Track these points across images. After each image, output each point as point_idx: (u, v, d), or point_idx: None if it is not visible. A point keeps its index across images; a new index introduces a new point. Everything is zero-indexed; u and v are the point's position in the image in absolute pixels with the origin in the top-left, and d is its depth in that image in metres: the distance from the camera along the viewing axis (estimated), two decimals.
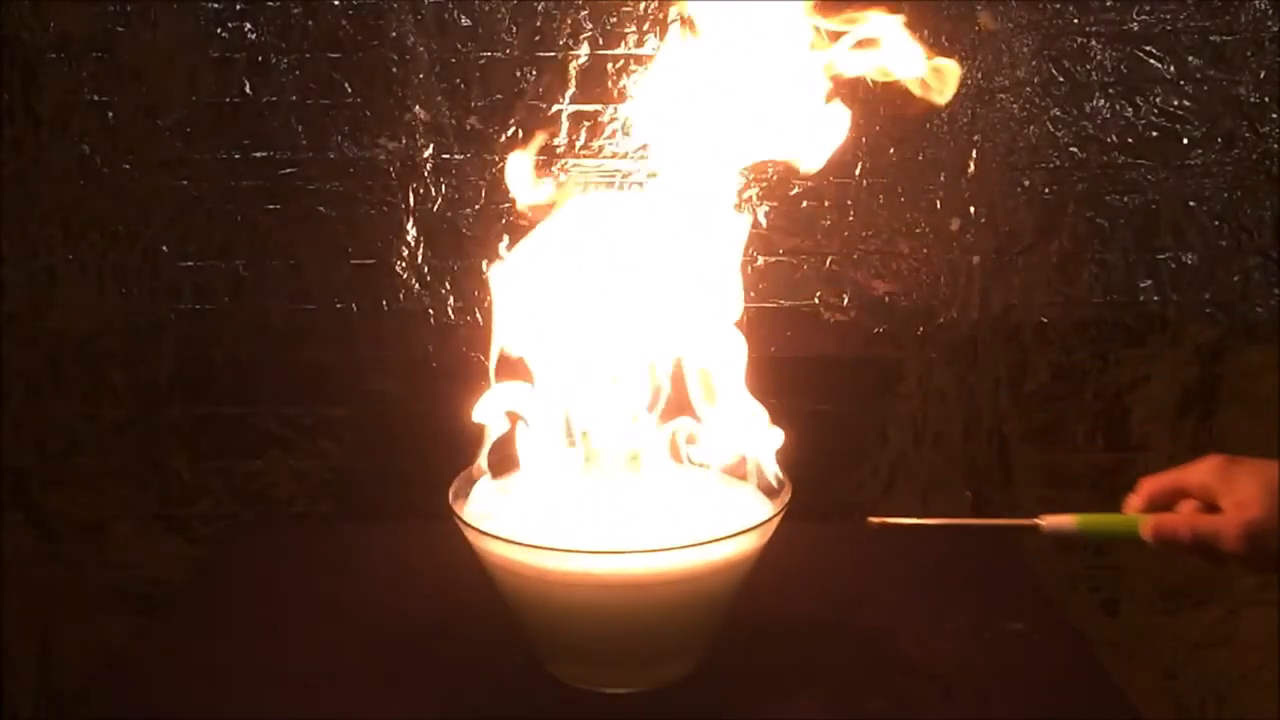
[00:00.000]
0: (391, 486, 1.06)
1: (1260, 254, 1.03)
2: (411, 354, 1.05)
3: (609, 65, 1.01)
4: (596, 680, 0.69)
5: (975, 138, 1.01)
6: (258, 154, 1.02)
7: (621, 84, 1.01)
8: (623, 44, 1.00)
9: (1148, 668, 1.08)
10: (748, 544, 0.66)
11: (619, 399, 0.73)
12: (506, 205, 1.03)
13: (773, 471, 0.72)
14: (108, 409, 1.06)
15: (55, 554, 1.08)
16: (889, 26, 0.69)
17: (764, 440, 0.72)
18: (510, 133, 1.01)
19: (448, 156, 1.02)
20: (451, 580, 0.74)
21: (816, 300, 1.04)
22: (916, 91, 0.71)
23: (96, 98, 1.01)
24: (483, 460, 0.72)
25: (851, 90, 0.99)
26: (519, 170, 0.75)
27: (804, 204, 1.02)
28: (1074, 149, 1.02)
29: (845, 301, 1.04)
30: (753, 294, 1.03)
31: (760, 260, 1.03)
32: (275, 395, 1.06)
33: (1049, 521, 0.64)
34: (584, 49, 1.00)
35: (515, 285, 0.72)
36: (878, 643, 0.75)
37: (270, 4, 1.00)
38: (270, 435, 1.06)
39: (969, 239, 1.03)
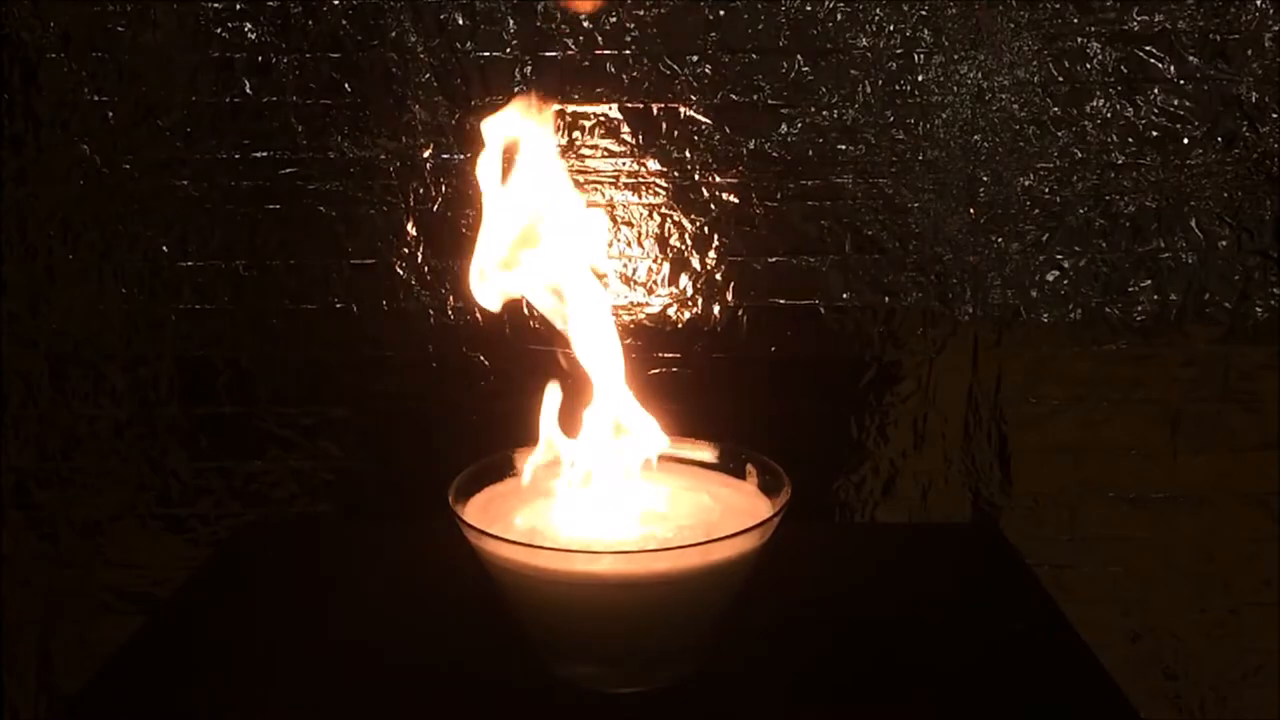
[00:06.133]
0: (391, 486, 1.06)
1: (1260, 254, 1.03)
2: (411, 354, 1.05)
3: (608, 65, 1.01)
4: (597, 680, 0.69)
5: (975, 138, 1.01)
6: (258, 154, 1.02)
7: (623, 83, 1.01)
8: (625, 42, 1.00)
9: (1148, 668, 1.09)
10: (748, 544, 0.66)
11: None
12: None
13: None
14: (108, 409, 1.06)
15: (55, 554, 1.08)
16: None
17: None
18: None
19: (448, 156, 1.02)
20: (452, 581, 0.74)
21: (816, 300, 1.04)
22: None
23: (96, 98, 1.01)
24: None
25: (852, 89, 1.00)
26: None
27: (803, 204, 1.02)
28: (1074, 149, 1.02)
29: (845, 301, 1.04)
30: (753, 294, 1.04)
31: (759, 261, 1.03)
32: (275, 395, 1.06)
33: None
34: (585, 48, 1.00)
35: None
36: (878, 643, 0.75)
37: (270, 4, 1.00)
38: (270, 435, 1.06)
39: (969, 238, 1.03)
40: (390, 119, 1.01)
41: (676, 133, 1.02)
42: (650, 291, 1.04)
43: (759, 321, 1.04)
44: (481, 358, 1.05)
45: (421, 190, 1.03)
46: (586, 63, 1.01)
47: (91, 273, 1.04)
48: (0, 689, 1.10)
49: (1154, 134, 1.01)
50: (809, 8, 1.00)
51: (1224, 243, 1.03)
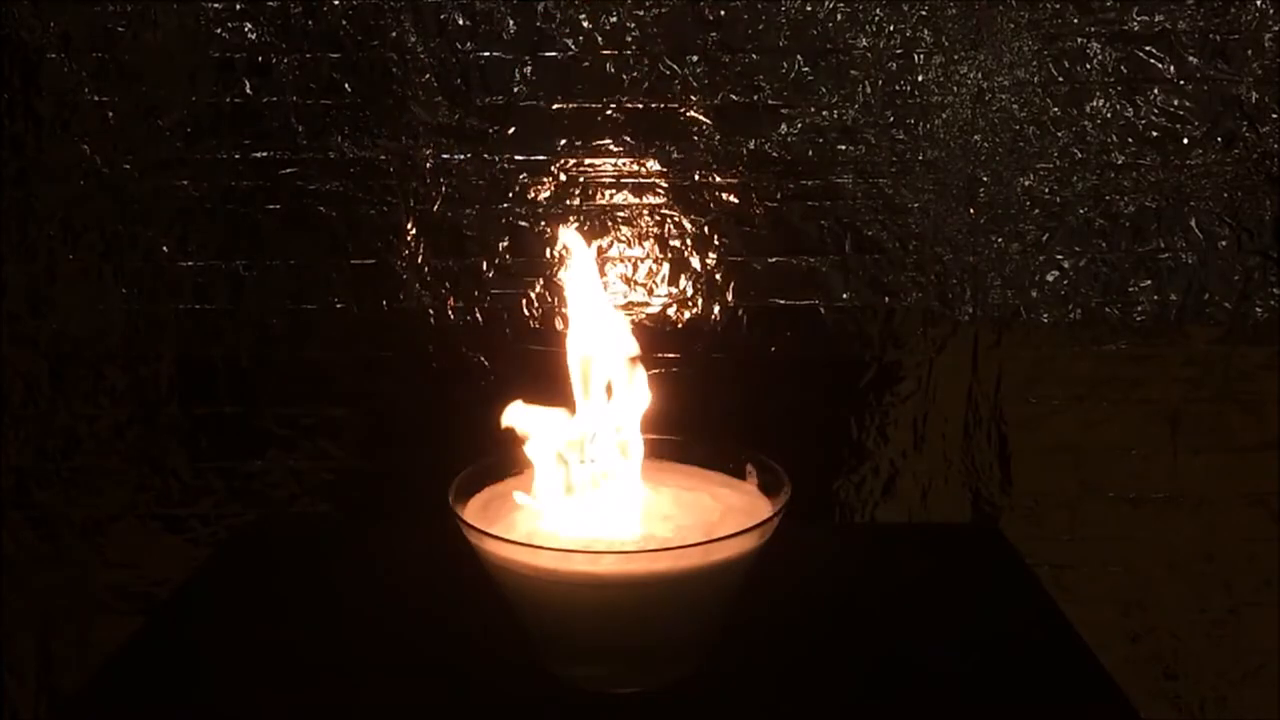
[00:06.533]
0: (391, 486, 1.06)
1: (1260, 254, 1.03)
2: (411, 354, 1.05)
3: (608, 65, 1.01)
4: (597, 681, 0.69)
5: (975, 138, 1.01)
6: (258, 154, 1.02)
7: (622, 83, 1.01)
8: (625, 42, 1.00)
9: (1148, 668, 1.09)
10: (747, 544, 0.66)
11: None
12: (506, 205, 1.03)
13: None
14: (108, 409, 1.06)
15: (55, 554, 1.08)
16: None
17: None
18: (511, 133, 1.02)
19: (448, 156, 1.02)
20: (452, 581, 0.74)
21: (816, 300, 1.04)
22: None
23: (96, 98, 1.01)
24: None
25: (852, 89, 1.00)
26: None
27: (802, 204, 1.02)
28: (1074, 149, 1.02)
29: (845, 301, 1.04)
30: (753, 294, 1.04)
31: (760, 260, 1.03)
32: (275, 395, 1.06)
33: None
34: (585, 48, 1.00)
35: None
36: (878, 643, 0.75)
37: (270, 4, 1.00)
38: (270, 435, 1.06)
39: (969, 238, 1.03)
40: (390, 119, 1.01)
41: (676, 133, 1.02)
42: (650, 291, 1.04)
43: (759, 321, 1.04)
44: (481, 358, 1.05)
45: (421, 190, 1.03)
46: (586, 63, 1.01)
47: (91, 273, 1.04)
48: (0, 689, 1.10)
49: (1154, 134, 1.01)
50: (809, 8, 1.00)
51: (1224, 243, 1.03)
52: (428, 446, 1.04)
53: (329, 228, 1.03)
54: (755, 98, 1.01)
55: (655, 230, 1.04)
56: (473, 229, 1.03)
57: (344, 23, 1.00)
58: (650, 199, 1.03)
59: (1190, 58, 1.00)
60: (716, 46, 1.00)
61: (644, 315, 1.04)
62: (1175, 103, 1.01)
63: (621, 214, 1.03)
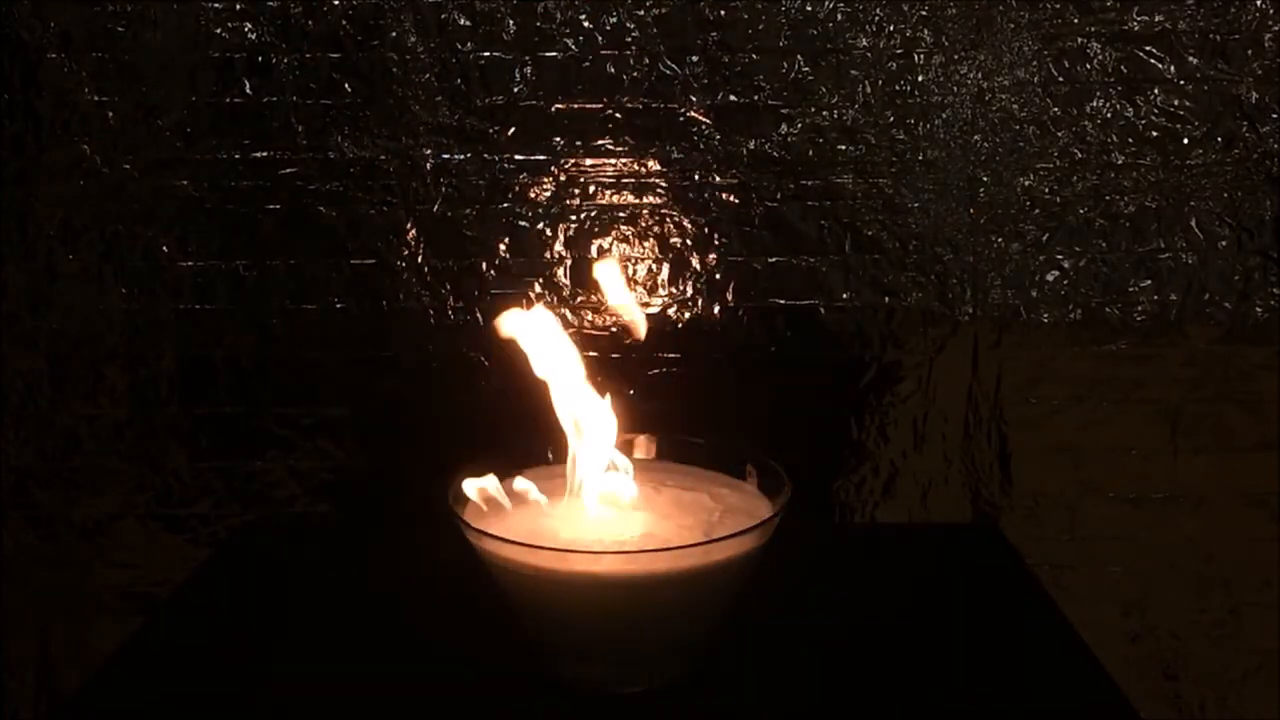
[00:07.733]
0: (391, 487, 1.06)
1: (1260, 254, 1.03)
2: (411, 354, 1.05)
3: (608, 65, 1.01)
4: (596, 681, 0.69)
5: (975, 138, 1.01)
6: (258, 154, 1.02)
7: (622, 83, 1.01)
8: (625, 42, 1.00)
9: (1148, 668, 1.09)
10: (748, 544, 0.66)
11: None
12: (506, 205, 1.03)
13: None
14: (108, 409, 1.06)
15: (55, 554, 1.08)
16: None
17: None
18: (511, 133, 1.02)
19: (448, 156, 1.02)
20: (452, 581, 0.74)
21: (816, 300, 1.04)
22: None
23: (96, 98, 1.01)
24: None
25: (852, 89, 1.00)
26: None
27: (802, 204, 1.02)
28: (1074, 149, 1.02)
29: (845, 301, 1.04)
30: (753, 294, 1.04)
31: (759, 260, 1.03)
32: (275, 395, 1.06)
33: None
34: (585, 48, 1.00)
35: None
36: (877, 643, 0.75)
37: (270, 4, 1.00)
38: (270, 435, 1.06)
39: (969, 238, 1.03)
40: (390, 119, 1.02)
41: (676, 133, 1.02)
42: (650, 291, 1.05)
43: (759, 321, 1.04)
44: (481, 358, 1.05)
45: (421, 190, 1.03)
46: (586, 63, 1.01)
47: (91, 273, 1.04)
48: (0, 689, 1.10)
49: (1154, 134, 1.01)
50: (809, 8, 1.00)
51: (1224, 243, 1.03)
52: (428, 446, 1.04)
53: (329, 228, 1.03)
54: (755, 98, 1.01)
55: (655, 230, 1.04)
56: (473, 229, 1.03)
57: (344, 23, 1.00)
58: (650, 199, 1.03)
59: (1190, 58, 1.00)
60: (716, 46, 1.00)
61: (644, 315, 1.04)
62: (1175, 103, 1.01)
63: (621, 214, 1.03)
